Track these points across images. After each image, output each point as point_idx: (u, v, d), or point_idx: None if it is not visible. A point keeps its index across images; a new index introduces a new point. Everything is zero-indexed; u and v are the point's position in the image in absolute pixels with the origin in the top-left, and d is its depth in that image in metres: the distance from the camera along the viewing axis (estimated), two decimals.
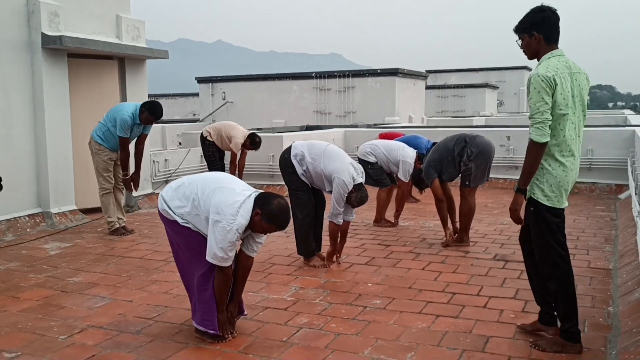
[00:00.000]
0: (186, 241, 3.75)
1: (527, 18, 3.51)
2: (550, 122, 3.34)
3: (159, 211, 3.85)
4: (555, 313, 3.65)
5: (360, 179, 5.37)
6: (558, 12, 3.49)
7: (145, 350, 3.66)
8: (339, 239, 5.60)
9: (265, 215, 3.50)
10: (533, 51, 3.53)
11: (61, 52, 7.72)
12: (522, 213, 3.54)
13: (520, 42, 3.56)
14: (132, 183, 7.29)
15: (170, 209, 3.72)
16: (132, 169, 7.30)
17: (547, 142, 3.35)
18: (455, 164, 6.23)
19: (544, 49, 3.49)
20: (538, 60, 3.53)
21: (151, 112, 6.86)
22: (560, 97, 3.35)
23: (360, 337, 3.82)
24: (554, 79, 3.33)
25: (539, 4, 3.53)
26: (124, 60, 8.84)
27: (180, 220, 3.69)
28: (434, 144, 8.93)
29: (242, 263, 3.79)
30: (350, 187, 5.26)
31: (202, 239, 3.67)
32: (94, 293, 4.84)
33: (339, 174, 5.24)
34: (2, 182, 5.34)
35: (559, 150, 3.42)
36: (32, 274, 5.45)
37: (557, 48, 3.49)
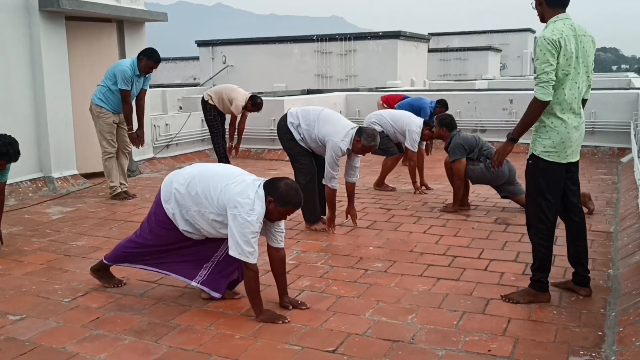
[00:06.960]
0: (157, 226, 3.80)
1: None
2: (554, 83, 3.49)
3: (159, 191, 3.78)
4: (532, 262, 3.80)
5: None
6: None
7: (148, 313, 3.71)
8: (346, 202, 5.60)
9: (278, 199, 3.46)
10: (539, 14, 3.71)
11: (59, 14, 7.61)
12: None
13: (533, 4, 3.73)
14: (137, 138, 7.24)
15: (176, 190, 3.66)
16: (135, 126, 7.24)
17: (549, 100, 3.50)
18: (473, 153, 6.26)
19: (548, 13, 3.64)
20: (545, 23, 3.68)
21: (150, 56, 6.80)
22: (564, 58, 3.50)
23: (362, 300, 3.86)
24: (559, 42, 3.48)
25: None
26: (122, 24, 8.72)
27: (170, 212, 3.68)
28: (437, 102, 8.84)
29: (274, 257, 3.71)
30: (344, 149, 5.19)
31: (175, 236, 3.77)
32: (96, 257, 4.86)
33: (332, 137, 5.19)
34: None
35: (560, 109, 3.57)
36: (35, 238, 5.49)
37: (562, 12, 3.62)
